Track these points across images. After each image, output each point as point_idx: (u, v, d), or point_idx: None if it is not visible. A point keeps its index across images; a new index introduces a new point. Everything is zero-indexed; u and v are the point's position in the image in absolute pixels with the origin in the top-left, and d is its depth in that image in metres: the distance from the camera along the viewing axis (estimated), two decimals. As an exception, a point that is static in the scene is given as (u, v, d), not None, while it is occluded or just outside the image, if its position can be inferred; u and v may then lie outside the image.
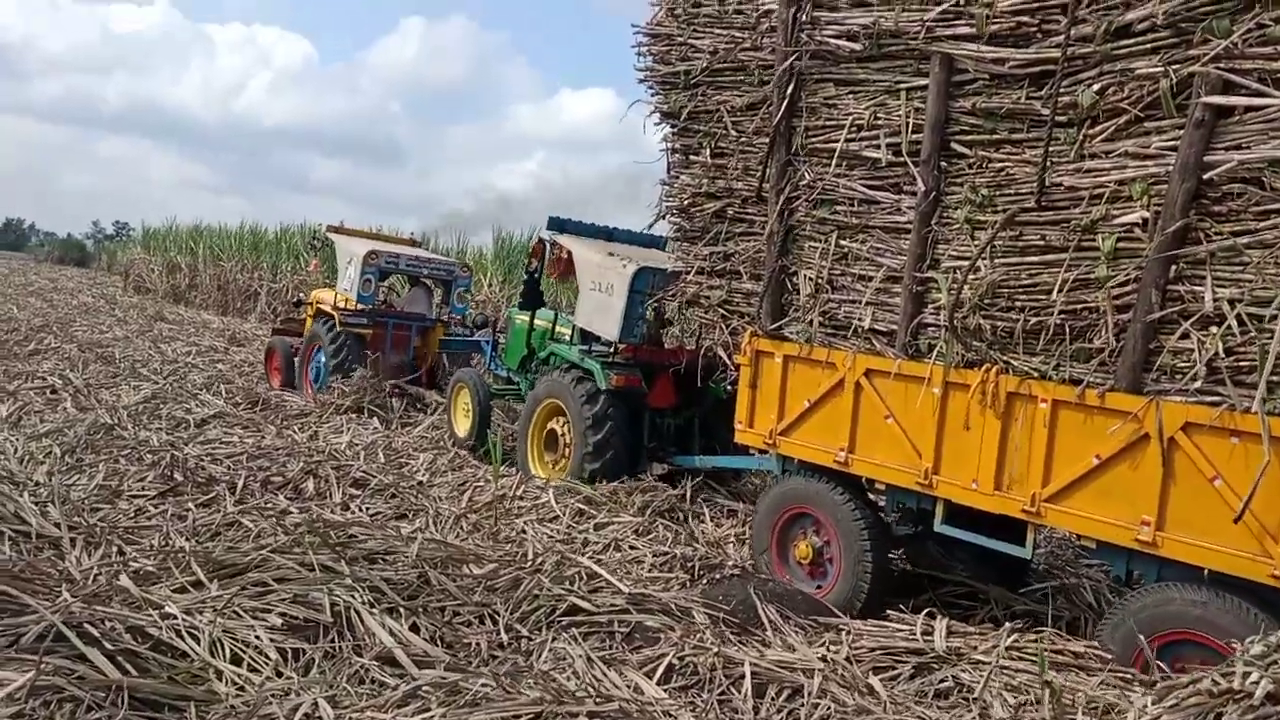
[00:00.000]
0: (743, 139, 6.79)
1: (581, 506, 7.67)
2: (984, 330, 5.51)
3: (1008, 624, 5.27)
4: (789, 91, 6.37)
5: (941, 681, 4.77)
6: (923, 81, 5.77)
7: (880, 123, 6.02)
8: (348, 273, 12.74)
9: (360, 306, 12.39)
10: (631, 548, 6.90)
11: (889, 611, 5.66)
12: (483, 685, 4.09)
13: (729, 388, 7.47)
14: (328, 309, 12.60)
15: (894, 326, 6.00)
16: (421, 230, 22.20)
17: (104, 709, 3.64)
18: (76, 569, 5.18)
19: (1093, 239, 5.08)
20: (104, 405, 10.13)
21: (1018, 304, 5.38)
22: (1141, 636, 4.80)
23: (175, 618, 4.41)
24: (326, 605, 4.74)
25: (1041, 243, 5.29)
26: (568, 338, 9.28)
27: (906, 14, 5.74)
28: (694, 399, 8.69)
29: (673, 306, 7.52)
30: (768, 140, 6.52)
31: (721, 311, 7.09)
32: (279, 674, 4.27)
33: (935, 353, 5.76)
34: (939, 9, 5.59)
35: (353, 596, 4.86)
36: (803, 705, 4.37)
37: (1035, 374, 5.31)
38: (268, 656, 4.33)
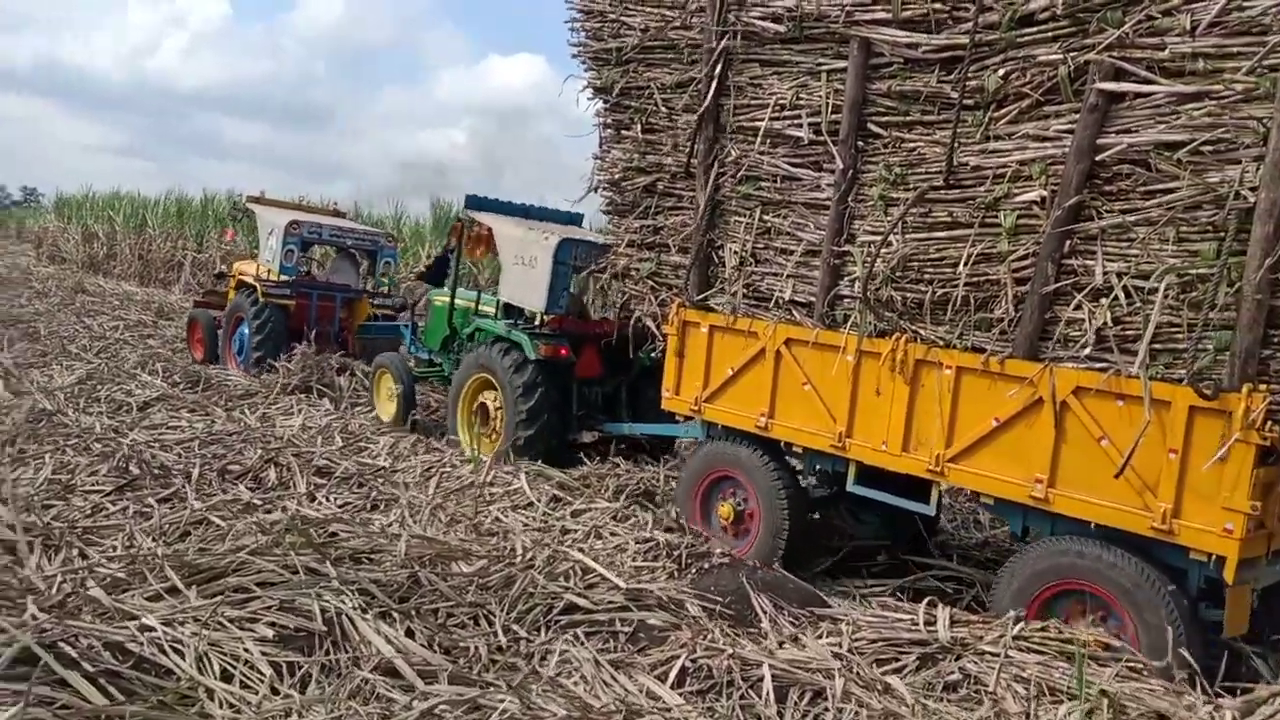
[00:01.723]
0: (673, 116, 7.01)
1: (556, 492, 7.47)
2: (895, 301, 5.82)
3: (1012, 612, 5.11)
4: (717, 71, 6.62)
5: (950, 674, 4.63)
6: (842, 64, 6.04)
7: (802, 102, 6.28)
8: (269, 243, 12.64)
9: (283, 278, 12.37)
10: (613, 534, 6.65)
11: (886, 600, 5.66)
12: (507, 702, 3.89)
13: (655, 357, 7.70)
14: (250, 280, 12.55)
15: (812, 298, 6.29)
16: (354, 199, 22.03)
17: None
18: (39, 577, 4.81)
19: (995, 216, 5.41)
20: (38, 388, 9.73)
21: (926, 277, 5.70)
22: (1034, 588, 5.19)
23: (155, 630, 4.10)
24: (317, 612, 4.44)
25: (949, 219, 5.61)
26: (491, 314, 9.44)
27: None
28: (620, 368, 8.93)
29: (602, 279, 7.73)
30: (696, 118, 6.76)
31: (650, 283, 7.33)
32: (275, 691, 3.96)
33: (850, 323, 6.06)
34: (858, -6, 5.87)
35: (343, 601, 4.59)
36: (827, 709, 4.24)
37: (941, 342, 5.64)
38: (261, 672, 4.02)
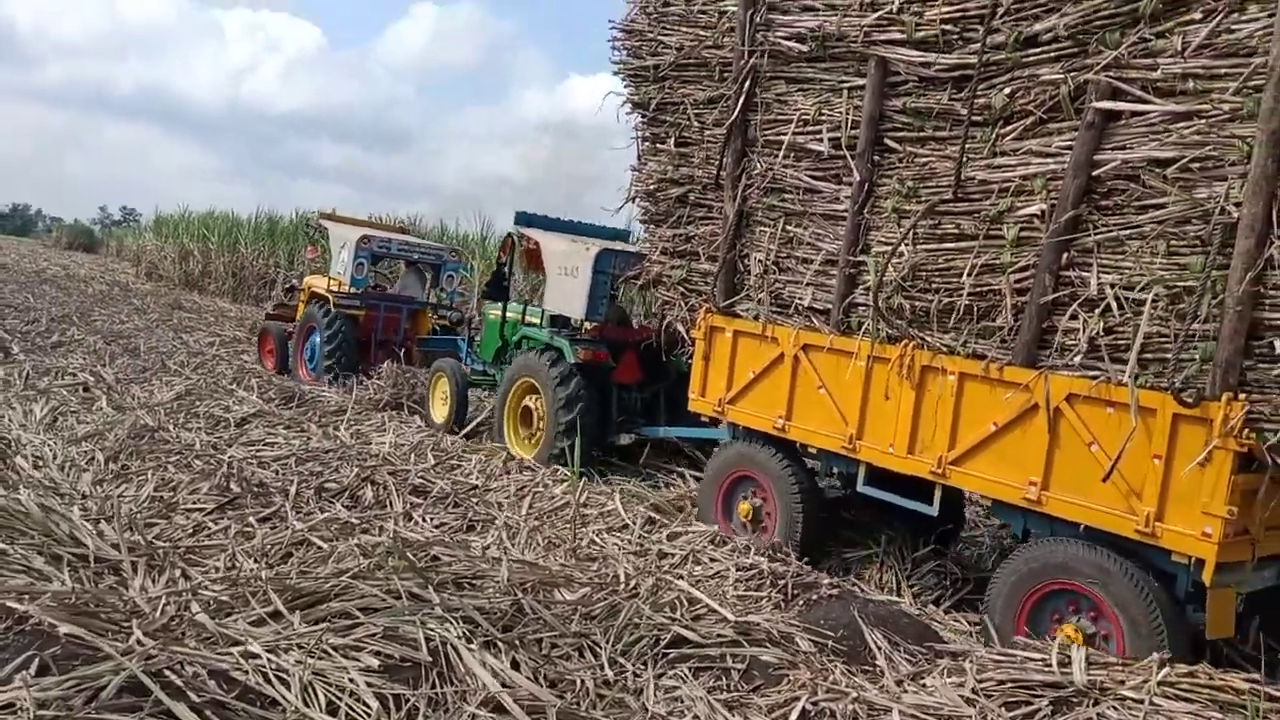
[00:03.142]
0: (704, 130, 7.35)
1: (651, 514, 7.44)
2: (904, 309, 6.07)
3: (1157, 655, 4.75)
4: (745, 87, 6.94)
5: None
6: (861, 81, 6.32)
7: (824, 118, 6.57)
8: (341, 257, 13.29)
9: (353, 289, 12.99)
10: (711, 560, 6.46)
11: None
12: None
13: (688, 361, 8.02)
14: (322, 292, 13.20)
15: (829, 305, 6.56)
16: (439, 215, 22.70)
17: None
18: (143, 599, 4.77)
19: (999, 228, 5.64)
20: (139, 403, 9.92)
21: (934, 286, 5.94)
22: (1025, 588, 5.38)
23: (259, 658, 4.02)
24: (422, 641, 4.34)
25: (956, 231, 5.85)
26: (538, 324, 9.87)
27: (847, 19, 6.30)
28: (659, 374, 9.27)
29: (637, 286, 8.10)
30: (725, 131, 7.09)
31: (681, 290, 7.66)
32: None
33: (863, 329, 6.31)
34: (875, 15, 6.15)
35: (447, 629, 4.47)
36: None
37: (945, 349, 5.87)
38: (367, 706, 3.89)
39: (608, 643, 4.76)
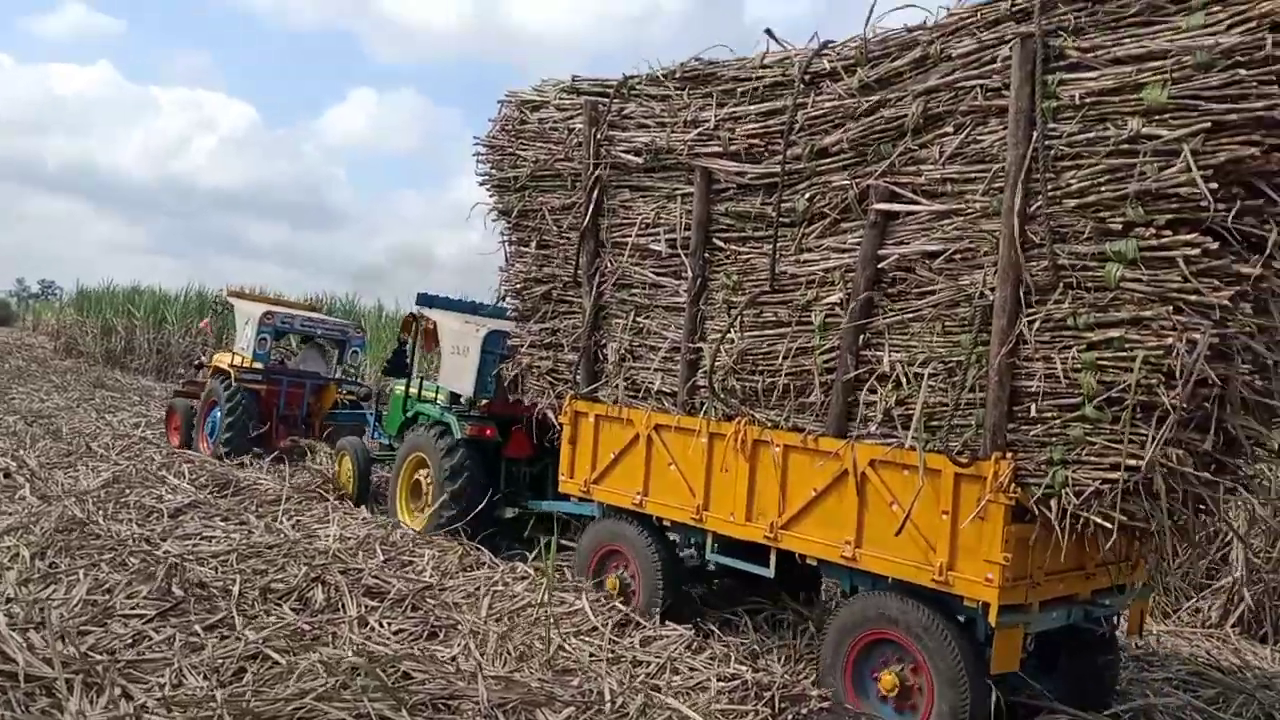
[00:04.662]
0: (561, 233, 8.03)
1: (622, 613, 7.06)
2: (736, 390, 6.72)
3: None
4: (593, 195, 7.65)
5: None
6: (690, 189, 7.05)
7: (662, 221, 7.29)
8: (245, 333, 13.79)
9: (256, 364, 13.42)
10: (690, 670, 6.15)
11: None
12: None
13: (555, 443, 8.58)
14: (225, 367, 13.64)
15: (676, 388, 7.20)
16: (377, 294, 23.16)
17: None
18: None
19: (808, 315, 6.33)
20: (65, 491, 9.35)
21: (759, 368, 6.61)
22: (848, 639, 5.96)
23: None
24: None
25: (774, 319, 6.54)
26: (433, 399, 10.40)
27: (674, 134, 7.06)
28: (550, 449, 9.77)
29: (511, 373, 8.71)
30: (579, 235, 7.77)
31: (549, 379, 8.27)
32: None
33: (704, 409, 6.95)
34: (696, 131, 6.91)
35: None
36: None
37: (771, 424, 6.52)
38: None
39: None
